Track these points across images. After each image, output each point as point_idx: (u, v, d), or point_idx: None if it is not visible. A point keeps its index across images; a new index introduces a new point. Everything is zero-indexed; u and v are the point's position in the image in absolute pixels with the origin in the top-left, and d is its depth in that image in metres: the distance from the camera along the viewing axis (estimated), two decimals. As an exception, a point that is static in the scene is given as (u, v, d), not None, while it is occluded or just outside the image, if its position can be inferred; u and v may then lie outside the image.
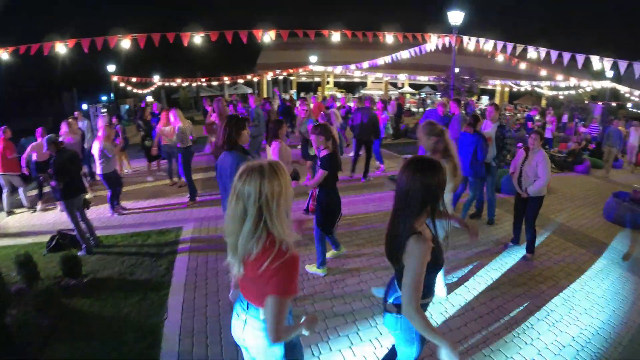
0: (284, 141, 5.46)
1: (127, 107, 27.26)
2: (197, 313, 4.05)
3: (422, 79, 30.55)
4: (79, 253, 5.46)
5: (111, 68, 20.00)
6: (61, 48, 7.95)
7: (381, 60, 12.40)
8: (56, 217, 7.28)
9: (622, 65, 7.90)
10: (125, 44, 8.46)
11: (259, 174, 1.73)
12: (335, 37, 9.20)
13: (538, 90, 26.78)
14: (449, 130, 7.85)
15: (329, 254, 5.13)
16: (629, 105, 27.33)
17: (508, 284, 4.83)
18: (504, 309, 4.28)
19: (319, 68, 24.27)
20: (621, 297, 4.73)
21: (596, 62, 8.27)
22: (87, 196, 8.30)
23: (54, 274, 4.86)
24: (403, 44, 9.95)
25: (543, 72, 15.50)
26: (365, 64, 14.04)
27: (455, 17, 8.64)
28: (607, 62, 8.32)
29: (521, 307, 4.34)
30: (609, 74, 17.15)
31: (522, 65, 13.02)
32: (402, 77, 31.52)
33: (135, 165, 11.26)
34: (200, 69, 31.64)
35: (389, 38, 9.59)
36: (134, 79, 21.99)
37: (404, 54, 11.10)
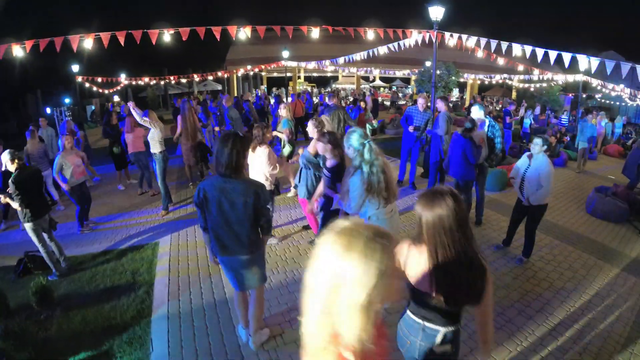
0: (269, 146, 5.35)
1: (92, 108, 26.07)
2: (185, 344, 3.71)
3: (398, 73, 30.52)
4: (50, 277, 5.04)
5: (75, 68, 18.93)
6: (19, 51, 7.27)
7: (357, 56, 12.07)
8: (24, 235, 6.73)
9: (594, 62, 7.98)
10: (88, 43, 7.82)
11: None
12: (315, 33, 8.84)
13: (509, 82, 27.18)
14: (434, 128, 7.73)
15: None
16: (598, 96, 28.11)
17: (504, 289, 4.75)
18: (504, 316, 4.18)
19: (292, 63, 23.66)
20: (615, 294, 4.78)
21: (567, 59, 8.28)
22: (59, 208, 7.83)
23: (26, 301, 4.43)
24: (382, 38, 9.72)
25: (519, 67, 15.60)
26: (341, 60, 13.65)
27: (436, 12, 8.48)
28: (581, 59, 8.35)
29: (521, 313, 4.26)
30: (582, 67, 17.45)
31: (500, 60, 13.02)
32: (376, 72, 31.33)
33: (104, 173, 10.67)
34: (167, 66, 30.62)
35: (369, 34, 9.34)
36: (99, 79, 20.92)
37: (382, 49, 10.83)
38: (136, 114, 6.87)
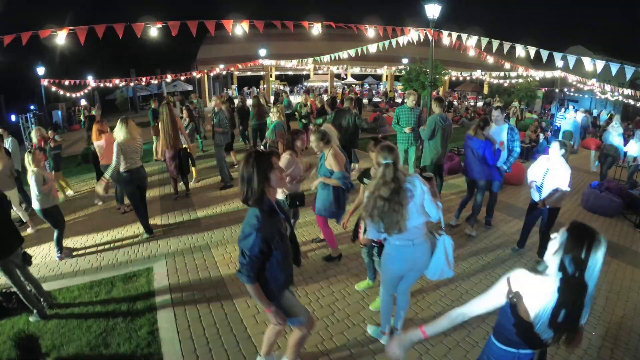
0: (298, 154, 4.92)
1: (59, 113, 24.43)
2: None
3: (380, 71, 30.27)
4: (31, 319, 4.27)
5: (41, 71, 17.57)
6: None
7: (345, 54, 11.57)
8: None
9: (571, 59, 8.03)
10: (61, 38, 6.86)
11: None
12: (316, 29, 8.27)
13: (481, 77, 27.41)
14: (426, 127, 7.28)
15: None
16: (566, 89, 28.75)
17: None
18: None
19: (271, 61, 22.87)
20: (626, 288, 5.02)
21: (545, 54, 8.25)
22: (29, 231, 6.92)
23: (7, 353, 3.70)
24: (374, 37, 9.25)
25: (498, 62, 15.46)
26: (325, 58, 13.11)
27: (433, 10, 8.14)
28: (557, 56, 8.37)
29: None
30: (559, 63, 17.73)
31: (471, 55, 12.81)
32: (357, 70, 30.99)
33: (79, 186, 9.73)
34: (135, 67, 29.15)
35: (363, 31, 8.83)
36: (66, 82, 19.52)
37: (372, 48, 10.38)
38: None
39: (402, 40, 9.56)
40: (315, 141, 4.81)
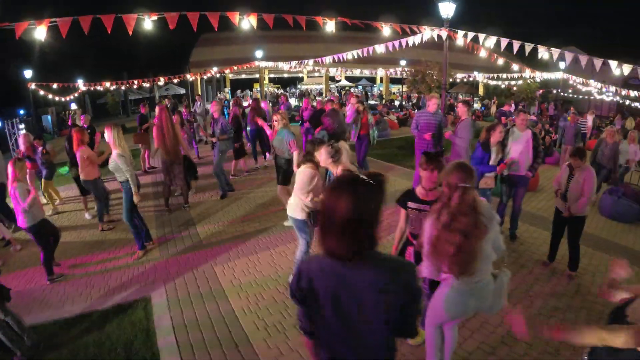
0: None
1: (49, 117, 23.51)
2: None
3: (379, 72, 29.71)
4: (14, 360, 3.62)
5: (28, 74, 16.72)
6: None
7: (349, 55, 10.98)
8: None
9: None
10: (40, 33, 5.95)
11: None
12: (330, 26, 7.65)
13: (477, 79, 26.99)
14: (457, 136, 6.76)
15: None
16: (557, 90, 28.41)
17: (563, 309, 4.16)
18: None
19: (268, 63, 22.24)
20: None
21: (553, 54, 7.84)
22: (12, 249, 6.24)
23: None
24: (380, 37, 8.70)
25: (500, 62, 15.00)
26: (328, 59, 12.51)
27: (447, 8, 7.64)
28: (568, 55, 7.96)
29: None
30: (561, 65, 17.42)
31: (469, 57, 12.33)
32: (357, 72, 30.38)
33: (68, 195, 9.01)
34: (127, 70, 28.33)
35: (381, 29, 8.23)
36: (54, 85, 18.64)
37: (379, 48, 9.80)
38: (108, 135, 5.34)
39: (414, 40, 8.98)
40: (325, 154, 4.21)
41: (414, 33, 8.86)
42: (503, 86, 25.38)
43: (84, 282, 5.11)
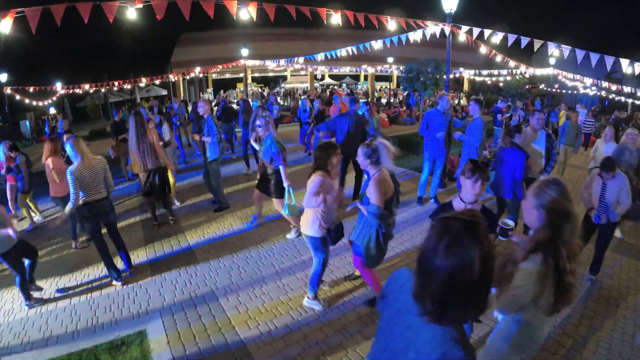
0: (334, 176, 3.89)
1: (27, 123, 22.27)
2: None
3: (370, 70, 29.20)
4: None
5: (3, 77, 15.66)
6: None
7: (343, 52, 10.43)
8: None
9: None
10: (4, 26, 5.19)
11: None
12: (335, 18, 7.07)
13: (462, 75, 26.77)
14: (469, 135, 6.34)
15: None
16: (542, 85, 28.48)
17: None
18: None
19: (255, 62, 21.50)
20: None
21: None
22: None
23: None
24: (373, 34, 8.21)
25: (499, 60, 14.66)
26: (320, 56, 11.92)
27: (450, 3, 7.23)
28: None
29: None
30: (552, 60, 17.25)
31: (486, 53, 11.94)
32: (345, 69, 29.85)
33: (48, 209, 8.26)
34: (107, 72, 27.21)
35: (391, 24, 7.69)
36: (30, 89, 17.58)
37: (376, 45, 9.27)
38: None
39: (415, 36, 8.49)
40: (362, 154, 3.67)
41: (411, 29, 8.40)
42: (489, 82, 25.25)
43: (68, 313, 4.45)
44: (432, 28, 8.30)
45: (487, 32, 8.06)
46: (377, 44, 9.31)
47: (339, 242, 4.09)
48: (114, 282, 4.93)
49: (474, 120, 6.31)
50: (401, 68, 15.40)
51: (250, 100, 12.20)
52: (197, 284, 4.81)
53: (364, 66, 27.79)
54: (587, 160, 8.30)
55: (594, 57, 7.18)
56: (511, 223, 2.75)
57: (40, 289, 4.83)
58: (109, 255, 4.90)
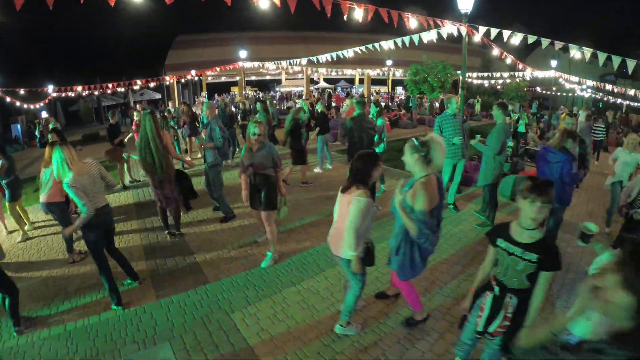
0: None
1: (18, 127, 21.43)
2: None
3: (372, 72, 28.80)
4: None
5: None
6: None
7: (350, 52, 9.93)
8: None
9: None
10: None
11: None
12: (358, 13, 6.56)
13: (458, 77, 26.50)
14: (488, 142, 5.86)
15: None
16: (538, 88, 28.29)
17: None
18: None
19: (254, 63, 20.93)
20: None
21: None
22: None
23: None
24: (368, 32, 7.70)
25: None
26: (323, 57, 11.43)
27: (465, 3, 6.86)
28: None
29: None
30: (553, 63, 16.99)
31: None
32: (349, 72, 29.39)
33: (37, 218, 7.63)
34: (99, 75, 26.44)
35: (412, 22, 7.20)
36: (21, 91, 16.82)
37: (386, 45, 8.80)
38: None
39: (429, 36, 8.06)
40: (411, 156, 3.12)
41: (423, 29, 7.96)
42: (487, 84, 24.97)
43: (63, 343, 3.86)
44: (449, 28, 7.84)
45: (505, 33, 7.66)
46: (386, 44, 8.84)
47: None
48: (114, 307, 4.35)
49: (496, 126, 5.84)
50: (401, 71, 15.01)
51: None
52: (210, 306, 4.23)
53: (366, 69, 27.32)
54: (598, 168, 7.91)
55: (602, 57, 6.83)
56: (594, 229, 2.34)
57: (33, 324, 4.21)
58: (111, 275, 4.31)
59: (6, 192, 6.46)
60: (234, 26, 34.80)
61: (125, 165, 9.32)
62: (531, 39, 7.56)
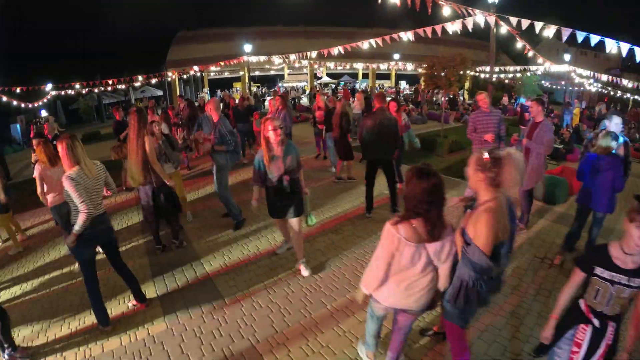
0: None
1: (18, 127, 20.77)
2: None
3: (382, 66, 28.16)
4: None
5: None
6: None
7: (366, 45, 9.28)
8: None
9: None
10: None
11: None
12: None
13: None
14: (534, 141, 5.27)
15: None
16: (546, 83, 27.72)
17: None
18: None
19: (260, 57, 20.25)
20: None
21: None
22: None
23: None
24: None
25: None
26: (337, 50, 10.74)
27: None
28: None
29: None
30: (566, 57, 16.45)
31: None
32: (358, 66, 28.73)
33: (32, 224, 7.02)
34: (99, 72, 25.71)
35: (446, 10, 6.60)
36: (18, 89, 16.13)
37: (405, 37, 8.16)
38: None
39: (454, 27, 7.47)
40: (473, 167, 2.44)
41: (447, 19, 7.36)
42: (494, 78, 24.31)
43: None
44: (477, 18, 7.21)
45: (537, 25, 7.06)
46: (405, 36, 8.21)
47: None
48: (100, 327, 3.77)
49: (541, 123, 5.24)
50: (412, 66, 14.35)
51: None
52: (230, 335, 3.60)
53: (375, 63, 26.64)
54: None
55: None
56: None
57: (28, 355, 3.60)
58: (100, 294, 3.75)
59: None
60: (234, 22, 34.14)
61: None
62: (565, 32, 7.08)
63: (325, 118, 8.64)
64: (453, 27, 7.62)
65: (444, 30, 7.66)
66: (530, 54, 10.68)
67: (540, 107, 5.41)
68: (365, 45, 9.27)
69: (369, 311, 2.81)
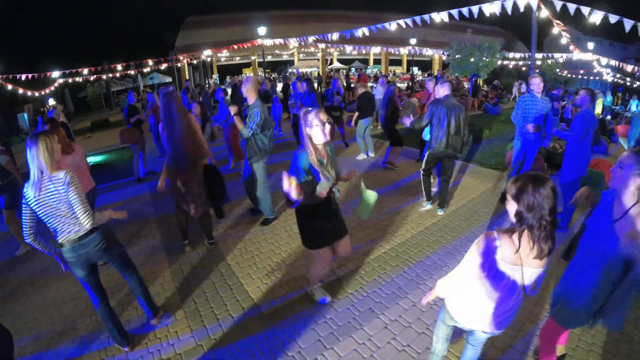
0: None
1: (25, 116, 20.25)
2: None
3: (403, 51, 27.36)
4: None
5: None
6: None
7: (393, 25, 8.62)
8: None
9: None
10: None
11: None
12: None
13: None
14: (571, 131, 4.69)
15: None
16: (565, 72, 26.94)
17: None
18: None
19: (273, 41, 19.55)
20: None
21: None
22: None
23: None
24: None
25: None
26: (362, 31, 10.04)
27: None
28: None
29: None
30: (590, 45, 15.68)
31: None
32: (376, 50, 27.93)
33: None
34: (106, 59, 25.12)
35: None
36: (22, 77, 15.61)
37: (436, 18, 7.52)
38: None
39: (492, 8, 6.86)
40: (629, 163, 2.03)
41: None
42: (511, 66, 23.30)
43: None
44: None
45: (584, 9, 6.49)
46: (438, 17, 7.60)
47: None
48: (120, 348, 3.21)
49: (580, 111, 4.65)
50: (422, 50, 13.53)
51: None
52: (272, 354, 3.04)
53: (395, 47, 25.84)
54: None
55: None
56: None
57: None
58: (110, 311, 3.13)
59: (1, 199, 5.17)
60: (242, 6, 33.27)
61: (140, 153, 8.05)
62: (613, 18, 6.55)
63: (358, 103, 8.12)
64: (492, 9, 7.01)
65: (463, 15, 7.14)
66: (564, 40, 9.94)
67: (588, 97, 4.77)
68: (393, 26, 8.58)
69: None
